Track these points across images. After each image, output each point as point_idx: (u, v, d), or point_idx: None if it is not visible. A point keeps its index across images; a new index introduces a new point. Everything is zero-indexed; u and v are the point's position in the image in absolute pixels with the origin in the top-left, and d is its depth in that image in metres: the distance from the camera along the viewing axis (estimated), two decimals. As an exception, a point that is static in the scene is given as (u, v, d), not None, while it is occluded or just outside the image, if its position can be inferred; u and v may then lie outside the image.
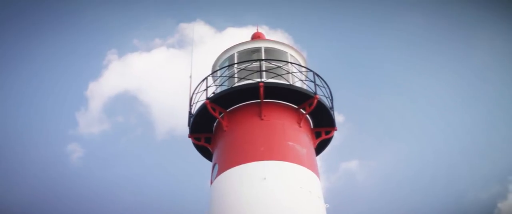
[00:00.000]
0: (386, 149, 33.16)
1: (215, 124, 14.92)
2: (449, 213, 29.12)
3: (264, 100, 14.02)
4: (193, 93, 15.36)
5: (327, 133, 15.02)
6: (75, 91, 36.20)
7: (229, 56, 16.02)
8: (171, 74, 34.47)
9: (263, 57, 15.41)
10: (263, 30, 17.95)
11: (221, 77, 15.67)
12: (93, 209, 29.10)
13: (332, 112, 14.92)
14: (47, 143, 32.51)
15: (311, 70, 15.41)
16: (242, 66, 15.25)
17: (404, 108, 33.89)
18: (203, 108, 14.33)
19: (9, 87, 32.42)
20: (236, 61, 15.60)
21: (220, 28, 37.84)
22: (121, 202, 29.97)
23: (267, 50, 15.83)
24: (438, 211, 29.43)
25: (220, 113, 14.42)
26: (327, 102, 14.88)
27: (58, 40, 34.32)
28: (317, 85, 14.77)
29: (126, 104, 35.79)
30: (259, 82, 13.96)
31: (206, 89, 14.83)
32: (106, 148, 33.95)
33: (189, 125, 14.96)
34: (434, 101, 33.15)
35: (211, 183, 13.60)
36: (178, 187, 29.79)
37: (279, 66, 14.95)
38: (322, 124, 15.00)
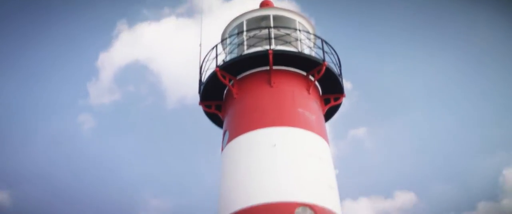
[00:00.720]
0: (394, 117, 33.30)
1: (225, 92, 15.11)
2: (455, 178, 29.44)
3: (274, 67, 14.15)
4: (203, 62, 15.52)
5: (336, 99, 15.19)
6: (86, 62, 36.35)
7: (238, 24, 16.07)
8: (181, 43, 34.46)
9: (272, 25, 15.46)
10: (271, -2, 17.94)
11: (230, 45, 15.78)
12: (104, 178, 29.62)
13: (340, 79, 15.05)
14: (58, 114, 32.83)
15: (319, 38, 15.49)
16: (251, 34, 15.35)
17: (412, 76, 33.89)
18: (213, 75, 14.48)
19: (21, 60, 32.60)
20: (245, 29, 15.66)
21: (228, -4, 37.60)
22: (132, 170, 30.40)
23: (276, 17, 15.87)
24: (443, 176, 29.77)
25: (230, 81, 14.57)
26: (335, 69, 14.99)
27: (68, 12, 34.33)
28: (325, 52, 14.87)
29: (137, 74, 35.94)
30: (268, 49, 14.07)
31: (216, 57, 14.96)
32: (117, 118, 34.23)
33: (199, 93, 15.15)
34: (442, 70, 33.10)
35: (222, 150, 13.84)
36: (190, 155, 30.08)
37: (288, 34, 15.03)
38: (330, 90, 15.15)
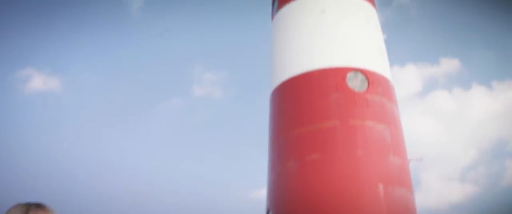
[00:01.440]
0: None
1: (272, -41, 15.04)
2: (497, 45, 29.11)
3: None
4: None
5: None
6: None
7: None
8: None
9: None
10: None
11: None
12: (157, 54, 30.26)
13: None
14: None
15: None
16: None
17: None
18: None
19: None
20: None
21: None
22: (185, 45, 30.70)
23: None
24: (486, 43, 29.46)
25: None
26: None
27: None
28: None
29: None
30: None
31: None
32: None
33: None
34: None
35: (272, 18, 14.12)
36: (239, 27, 29.98)
37: None
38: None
